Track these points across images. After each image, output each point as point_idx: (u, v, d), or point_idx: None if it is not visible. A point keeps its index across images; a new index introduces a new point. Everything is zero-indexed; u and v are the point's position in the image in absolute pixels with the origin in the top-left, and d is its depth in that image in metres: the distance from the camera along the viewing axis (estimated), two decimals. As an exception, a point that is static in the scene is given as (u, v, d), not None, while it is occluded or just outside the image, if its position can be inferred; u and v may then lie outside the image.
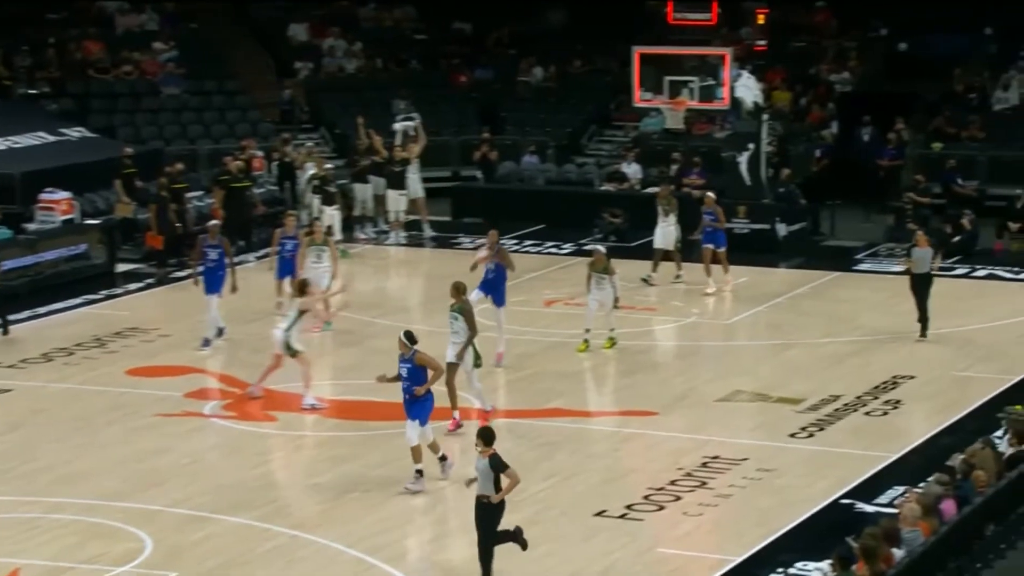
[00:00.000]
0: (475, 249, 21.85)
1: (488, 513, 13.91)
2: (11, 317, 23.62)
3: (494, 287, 21.31)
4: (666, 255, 25.97)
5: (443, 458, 16.81)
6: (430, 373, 16.54)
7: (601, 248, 22.48)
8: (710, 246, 25.46)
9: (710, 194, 26.19)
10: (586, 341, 21.93)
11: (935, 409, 19.64)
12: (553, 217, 30.62)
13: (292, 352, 19.29)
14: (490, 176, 33.48)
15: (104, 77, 34.52)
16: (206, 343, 22.05)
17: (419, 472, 16.56)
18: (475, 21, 39.11)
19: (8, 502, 16.31)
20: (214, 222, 23.54)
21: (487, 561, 13.98)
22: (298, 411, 19.41)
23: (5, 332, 22.91)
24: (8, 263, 25.19)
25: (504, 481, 13.88)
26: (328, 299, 22.48)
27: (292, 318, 19.38)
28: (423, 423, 16.56)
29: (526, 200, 32.00)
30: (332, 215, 27.63)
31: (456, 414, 18.42)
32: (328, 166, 29.59)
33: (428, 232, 30.06)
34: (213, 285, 22.23)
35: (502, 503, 13.95)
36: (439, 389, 17.33)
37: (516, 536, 14.23)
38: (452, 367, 18.20)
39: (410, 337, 16.62)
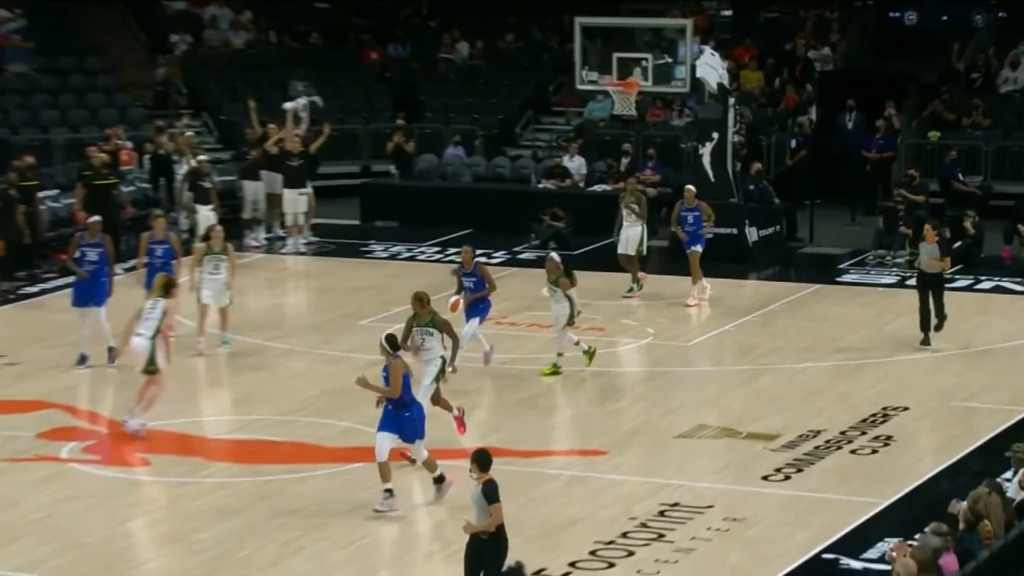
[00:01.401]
0: (452, 272, 22.17)
1: (488, 550, 13.87)
2: None
3: (483, 312, 21.91)
4: (626, 260, 26.11)
5: (440, 479, 17.49)
6: (390, 383, 17.05)
7: (555, 255, 22.59)
8: (697, 248, 25.64)
9: (690, 187, 26.27)
10: (554, 365, 22.28)
11: (933, 446, 19.84)
12: (482, 220, 30.69)
13: (150, 369, 19.20)
14: (407, 171, 33.51)
15: (-62, 53, 34.27)
16: (82, 360, 21.88)
17: (439, 480, 17.40)
18: (389, -13, 39.19)
19: None
20: (95, 218, 23.30)
21: None
22: (175, 452, 19.29)
23: None
24: None
25: (497, 510, 13.96)
26: (227, 315, 22.57)
27: (156, 322, 19.27)
28: (409, 440, 17.30)
29: (450, 200, 32.08)
30: (208, 216, 27.47)
31: (456, 411, 19.20)
32: (203, 157, 29.45)
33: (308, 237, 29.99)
34: (92, 294, 22.05)
35: (505, 538, 13.97)
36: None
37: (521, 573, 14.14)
38: (437, 391, 19.07)
39: (391, 342, 17.12)
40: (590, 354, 22.33)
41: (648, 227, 26.41)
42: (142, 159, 31.62)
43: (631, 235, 26.08)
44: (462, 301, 21.66)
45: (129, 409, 19.64)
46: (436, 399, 19.12)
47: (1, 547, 16.62)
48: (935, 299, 22.90)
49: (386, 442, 17.12)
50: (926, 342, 23.02)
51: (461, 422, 19.38)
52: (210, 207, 27.87)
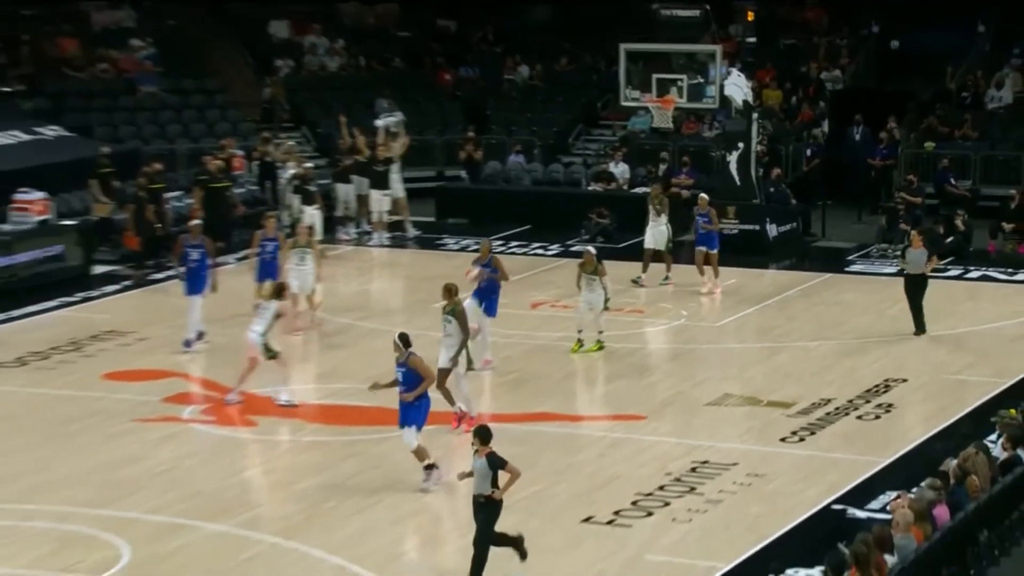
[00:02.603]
0: (472, 262, 21.81)
1: (486, 511, 13.86)
2: (-15, 320, 23.58)
3: (488, 296, 21.30)
4: (656, 256, 25.97)
5: (429, 467, 16.69)
6: (425, 380, 16.51)
7: (591, 249, 22.48)
8: (703, 248, 25.45)
9: (703, 196, 26.17)
10: (579, 341, 21.95)
11: (928, 413, 19.67)
12: (539, 218, 30.63)
13: (270, 354, 19.25)
14: (475, 176, 33.48)
15: (80, 75, 34.44)
16: (187, 345, 21.99)
17: (429, 467, 16.63)
18: (459, 18, 39.14)
19: (-19, 509, 16.25)
20: (196, 221, 23.46)
21: (480, 563, 13.89)
22: (278, 415, 19.35)
23: None
24: (-20, 265, 25.15)
25: (504, 477, 13.80)
26: (312, 301, 22.60)
27: (268, 321, 19.33)
28: (419, 428, 16.58)
29: (512, 201, 32.00)
30: (313, 215, 27.60)
31: (458, 409, 18.50)
32: (308, 165, 29.57)
33: (411, 232, 30.04)
34: (195, 286, 22.14)
35: (500, 502, 13.90)
36: (435, 394, 17.27)
37: (518, 543, 14.17)
38: (444, 372, 18.17)
39: (404, 340, 16.62)
40: (600, 344, 22.01)
41: (673, 225, 26.15)
42: (251, 165, 31.70)
43: (658, 233, 25.90)
44: (477, 272, 20.96)
45: (275, 389, 19.60)
46: (441, 384, 18.12)
47: (132, 495, 16.72)
48: (918, 300, 22.53)
49: (411, 435, 16.60)
50: (919, 332, 22.66)
51: (459, 420, 18.51)
52: (315, 207, 27.97)
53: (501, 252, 28.67)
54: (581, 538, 15.64)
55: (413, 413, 16.55)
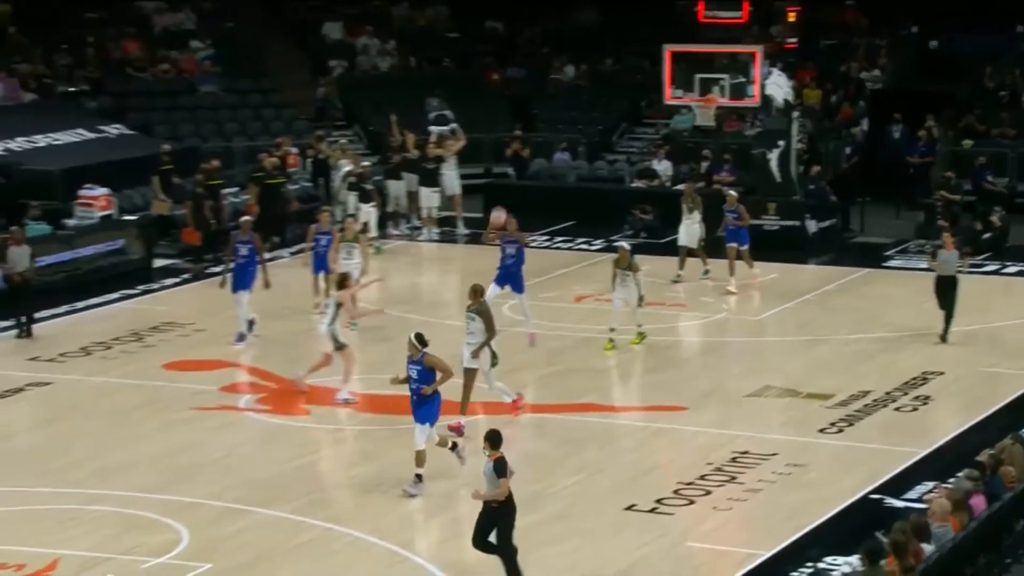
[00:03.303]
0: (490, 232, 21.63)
1: (501, 516, 13.62)
2: (50, 312, 23.75)
3: (512, 276, 21.19)
4: (691, 252, 25.88)
5: (454, 446, 16.42)
6: (438, 375, 16.20)
7: (626, 245, 22.39)
8: (734, 244, 25.30)
9: (732, 192, 26.05)
10: (611, 340, 21.80)
11: (964, 405, 19.53)
12: (584, 214, 30.59)
13: (337, 345, 19.22)
14: (522, 173, 33.49)
15: (142, 75, 34.67)
16: (240, 338, 22.09)
17: (419, 477, 16.19)
18: (507, 20, 39.13)
19: (47, 494, 16.39)
20: (246, 218, 23.55)
21: (513, 565, 13.70)
22: (331, 405, 19.43)
23: (28, 334, 22.52)
24: (47, 259, 25.32)
25: (504, 484, 13.52)
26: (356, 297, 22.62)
27: (332, 312, 19.33)
28: (433, 424, 16.24)
29: (557, 197, 31.96)
30: (369, 212, 27.76)
31: (462, 419, 18.01)
32: (365, 163, 29.64)
33: (462, 229, 30.08)
34: (243, 281, 22.17)
35: (513, 505, 13.68)
36: (448, 391, 16.89)
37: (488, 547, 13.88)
38: (470, 372, 18.01)
39: (420, 339, 16.25)
40: (642, 335, 21.81)
41: (710, 222, 25.98)
42: (305, 163, 31.83)
43: (692, 231, 25.78)
44: (493, 235, 20.63)
45: (339, 384, 19.49)
46: (469, 383, 17.88)
47: (191, 480, 16.83)
48: (948, 300, 22.24)
49: (422, 434, 16.22)
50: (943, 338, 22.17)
51: (460, 431, 17.85)
52: (372, 204, 28.07)
53: (547, 247, 28.76)
54: (624, 525, 15.64)
55: (426, 410, 16.15)
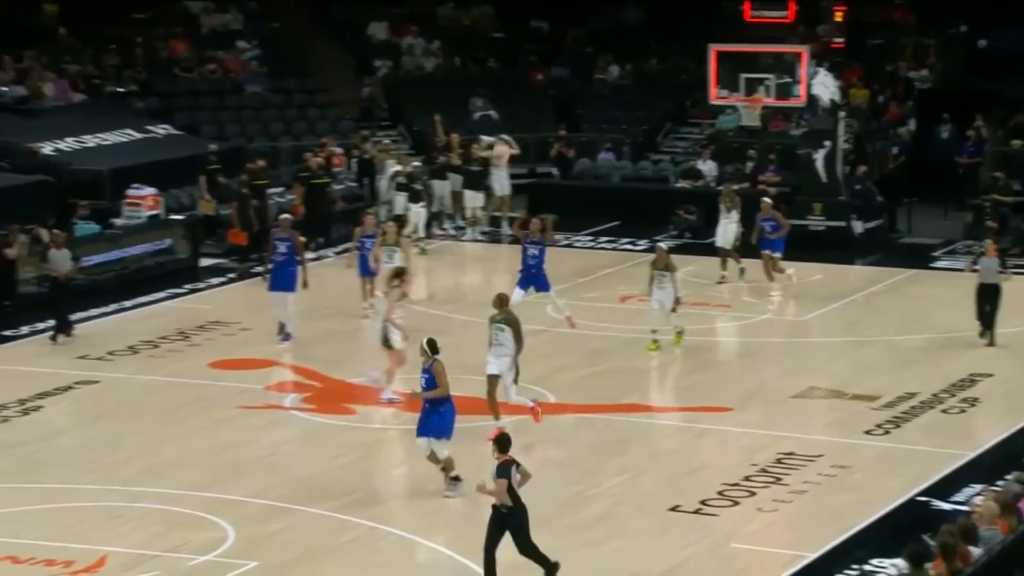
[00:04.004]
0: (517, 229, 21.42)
1: (513, 521, 13.50)
2: (98, 311, 23.93)
3: (535, 277, 21.07)
4: (727, 252, 25.75)
5: (455, 479, 16.02)
6: (438, 387, 15.85)
7: (663, 245, 22.31)
8: (768, 252, 25.00)
9: (766, 199, 25.73)
10: (655, 341, 21.68)
11: (1012, 407, 19.37)
12: (628, 214, 30.54)
13: (387, 344, 19.13)
14: (566, 173, 33.48)
15: (189, 75, 34.87)
16: (286, 337, 22.13)
17: (455, 479, 16.03)
18: (552, 20, 39.11)
19: (94, 491, 16.52)
20: (284, 215, 23.56)
21: (544, 562, 13.64)
22: (376, 405, 19.47)
23: (67, 334, 22.31)
24: (95, 258, 25.54)
25: (515, 477, 13.48)
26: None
27: (388, 309, 19.14)
28: (437, 436, 15.96)
29: (602, 197, 31.96)
30: (419, 212, 27.84)
31: (501, 424, 17.77)
32: (416, 164, 29.68)
33: (506, 229, 30.08)
34: (282, 279, 22.01)
35: (523, 507, 13.53)
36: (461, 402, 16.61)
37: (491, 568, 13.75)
38: (493, 379, 17.82)
39: (432, 346, 16.06)
40: (680, 334, 21.68)
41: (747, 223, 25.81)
42: (350, 163, 31.94)
43: (728, 231, 25.65)
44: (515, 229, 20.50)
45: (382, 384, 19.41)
46: (491, 391, 17.76)
47: (237, 478, 16.91)
48: (991, 308, 21.95)
49: (425, 445, 16.08)
50: (984, 336, 21.81)
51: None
52: (421, 204, 28.15)
53: (591, 247, 28.74)
54: (669, 525, 15.61)
55: (435, 421, 15.92)
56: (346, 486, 16.79)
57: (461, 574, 14.57)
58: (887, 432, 18.44)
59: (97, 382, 20.55)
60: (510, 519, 13.57)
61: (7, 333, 22.59)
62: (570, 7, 38.46)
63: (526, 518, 13.61)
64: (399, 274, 19.51)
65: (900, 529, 15.13)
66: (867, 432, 18.42)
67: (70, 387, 20.29)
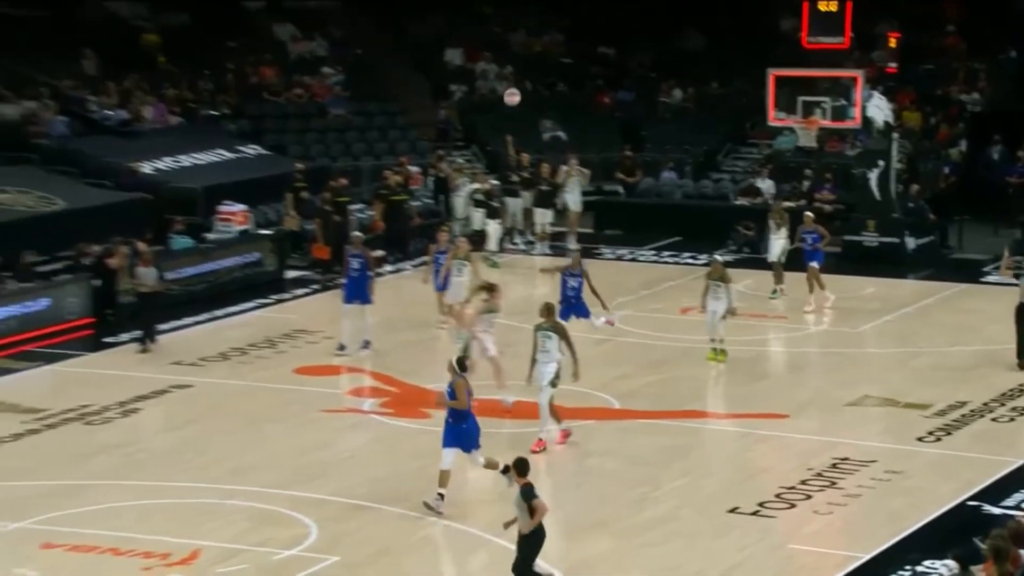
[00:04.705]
0: (559, 268, 21.02)
1: (527, 542, 13.11)
2: (192, 319, 24.15)
3: (575, 306, 20.49)
4: (778, 267, 25.49)
5: (506, 469, 15.35)
6: (457, 399, 15.58)
7: (718, 258, 22.18)
8: (814, 264, 24.70)
9: (808, 214, 25.44)
10: (714, 350, 21.53)
11: (1060, 416, 19.08)
12: (690, 229, 30.43)
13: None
14: (631, 191, 33.40)
15: (277, 99, 35.15)
16: (366, 345, 22.19)
17: (441, 496, 15.63)
18: (618, 46, 39.06)
19: (188, 489, 16.65)
20: (357, 233, 23.58)
21: None
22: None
23: (148, 344, 22.38)
24: (189, 270, 25.80)
25: (540, 504, 13.04)
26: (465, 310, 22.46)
27: (488, 320, 18.96)
28: (467, 450, 15.70)
29: (664, 213, 31.86)
30: (495, 228, 27.86)
31: (563, 425, 17.76)
32: (493, 182, 29.70)
33: (573, 244, 30.00)
34: (354, 293, 21.97)
35: (541, 534, 13.13)
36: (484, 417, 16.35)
37: None
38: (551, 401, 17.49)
39: (460, 364, 15.84)
40: (722, 355, 21.29)
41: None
42: (427, 181, 32.04)
43: (776, 246, 25.42)
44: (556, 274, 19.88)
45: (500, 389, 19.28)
46: (554, 413, 17.44)
47: (319, 478, 16.94)
48: None
49: (450, 456, 15.69)
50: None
51: (565, 436, 17.64)
52: (498, 221, 28.21)
53: (654, 261, 28.64)
54: (728, 527, 15.49)
55: (455, 435, 15.64)
56: (421, 486, 16.76)
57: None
58: (939, 439, 18.21)
59: (190, 386, 20.73)
60: (526, 541, 13.09)
61: (108, 340, 22.83)
62: (635, 34, 38.41)
63: (541, 542, 13.12)
64: (489, 288, 19.35)
65: (951, 532, 14.93)
66: (919, 439, 18.21)
67: (165, 391, 20.48)
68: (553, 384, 17.53)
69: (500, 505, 16.11)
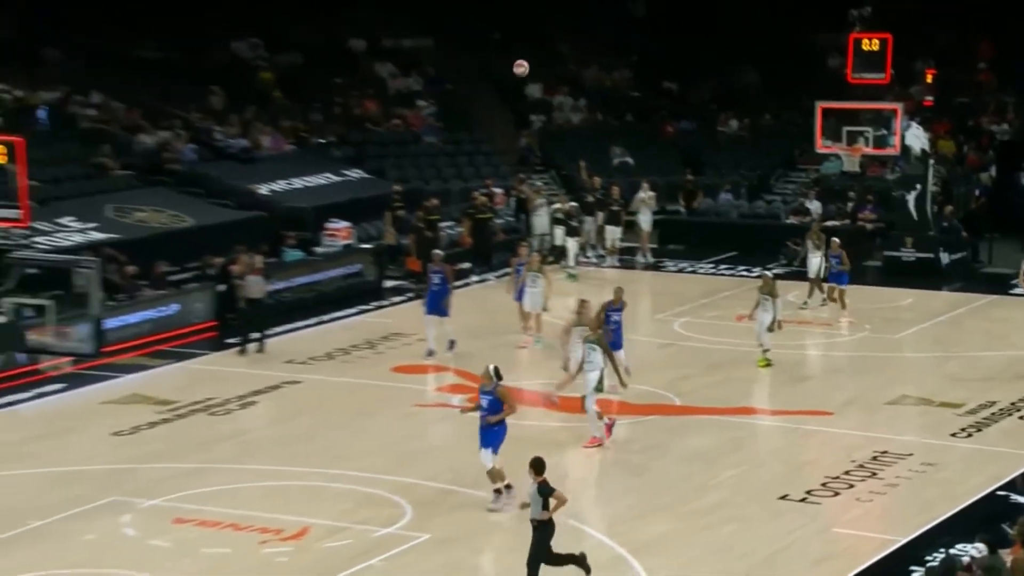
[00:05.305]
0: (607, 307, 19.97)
1: (539, 533, 12.99)
2: (302, 323, 24.36)
3: (615, 339, 19.55)
4: (818, 282, 25.15)
5: (507, 487, 15.26)
6: (505, 407, 15.33)
7: (769, 273, 22.00)
8: (835, 284, 24.36)
9: (835, 239, 25.05)
10: (764, 356, 21.27)
11: (1082, 416, 18.72)
12: (745, 245, 30.23)
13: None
14: (692, 211, 33.27)
15: (378, 129, 35.40)
16: (451, 346, 22.17)
17: (497, 491, 15.39)
18: (681, 81, 38.94)
19: (298, 473, 16.82)
20: (436, 251, 23.50)
21: (534, 572, 12.83)
22: (531, 405, 19.45)
23: (250, 343, 22.36)
24: (300, 279, 26.07)
25: (552, 503, 13.00)
26: (540, 319, 22.27)
27: (577, 333, 18.59)
28: (495, 451, 15.40)
29: (722, 231, 31.67)
30: (574, 245, 27.87)
31: (606, 420, 17.57)
32: (573, 204, 29.66)
33: (642, 259, 29.90)
34: (434, 305, 21.85)
35: (552, 525, 13.01)
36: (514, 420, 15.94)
37: (580, 561, 13.27)
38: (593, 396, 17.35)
39: (497, 372, 15.47)
40: (767, 362, 20.97)
41: (855, 255, 25.09)
42: (509, 201, 32.09)
43: (813, 264, 25.03)
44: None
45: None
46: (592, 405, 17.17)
47: (413, 464, 17.03)
48: None
49: (488, 456, 15.43)
50: None
51: (609, 430, 17.39)
52: (576, 238, 28.19)
53: (712, 274, 28.49)
54: (779, 512, 15.38)
55: (491, 436, 15.36)
56: (504, 472, 16.83)
57: (600, 547, 14.51)
58: (970, 435, 17.95)
59: (300, 382, 20.92)
60: (537, 532, 12.98)
61: (230, 341, 23.12)
62: (696, 70, 38.26)
63: (550, 536, 13.00)
64: (580, 303, 18.94)
65: (982, 519, 14.72)
66: (952, 435, 17.96)
67: (278, 386, 20.69)
68: (597, 389, 17.38)
69: (575, 489, 16.12)
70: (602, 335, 17.77)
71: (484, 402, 15.48)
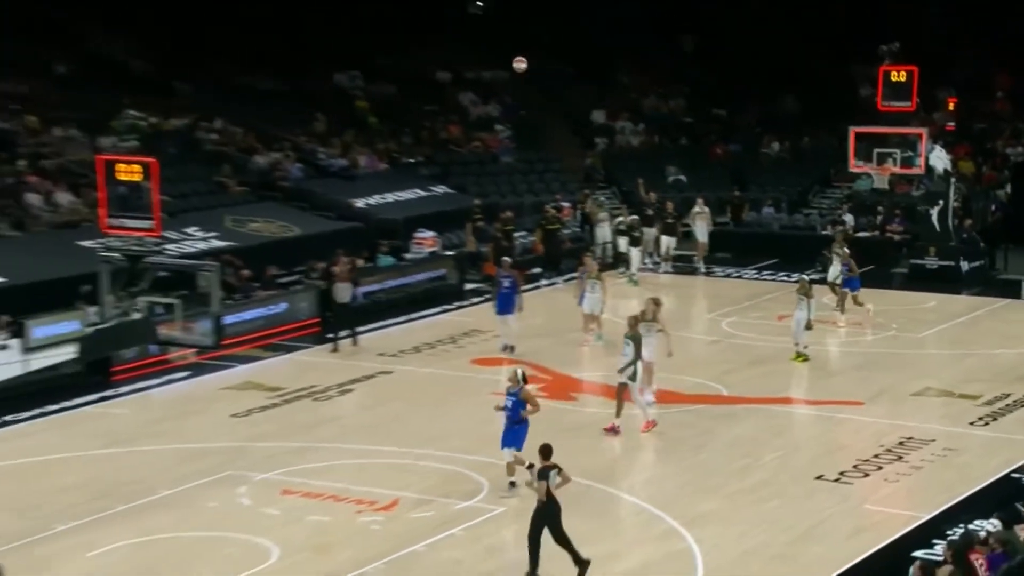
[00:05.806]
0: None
1: (546, 515, 12.72)
2: (393, 321, 24.49)
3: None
4: (835, 287, 24.73)
5: (531, 466, 14.35)
6: (529, 406, 15.05)
7: (805, 277, 21.73)
8: (847, 289, 23.91)
9: (846, 249, 24.59)
10: (799, 354, 20.95)
11: (1091, 408, 18.28)
12: (785, 254, 29.93)
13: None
14: (738, 223, 33.03)
15: (460, 150, 35.55)
16: (509, 350, 21.60)
17: (512, 483, 15.04)
18: (729, 108, 38.68)
19: (389, 451, 16.95)
20: (505, 259, 23.25)
21: (568, 547, 12.57)
22: (590, 392, 19.43)
23: (336, 345, 22.26)
24: (391, 282, 26.23)
25: (556, 480, 12.73)
26: (599, 320, 22.11)
27: (649, 329, 18.39)
28: (519, 448, 15.03)
29: (764, 241, 31.35)
30: (636, 254, 27.79)
31: (617, 422, 17.37)
32: (634, 217, 29.49)
33: (699, 266, 29.66)
34: (505, 306, 21.72)
35: (557, 505, 12.74)
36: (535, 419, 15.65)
37: (580, 560, 12.77)
38: (623, 386, 17.18)
39: (523, 376, 15.16)
40: (804, 358, 20.70)
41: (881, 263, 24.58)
42: (575, 214, 32.03)
43: (834, 271, 24.61)
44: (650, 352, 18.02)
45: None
46: (621, 394, 16.94)
47: (489, 445, 16.51)
48: None
49: (508, 454, 15.12)
50: None
51: (613, 430, 17.08)
52: (639, 249, 28.07)
53: (756, 279, 28.23)
54: (815, 491, 15.23)
55: (512, 436, 15.02)
56: (568, 451, 16.62)
57: (655, 520, 14.46)
58: (987, 423, 17.63)
59: (392, 372, 21.07)
60: (545, 514, 12.77)
61: (330, 336, 23.29)
62: (743, 98, 37.98)
63: (559, 514, 12.77)
64: (654, 303, 18.64)
65: (997, 499, 14.45)
66: (971, 423, 17.66)
67: (373, 376, 20.85)
68: (632, 378, 17.13)
69: (630, 469, 16.08)
70: (638, 332, 17.54)
71: (508, 403, 15.13)
